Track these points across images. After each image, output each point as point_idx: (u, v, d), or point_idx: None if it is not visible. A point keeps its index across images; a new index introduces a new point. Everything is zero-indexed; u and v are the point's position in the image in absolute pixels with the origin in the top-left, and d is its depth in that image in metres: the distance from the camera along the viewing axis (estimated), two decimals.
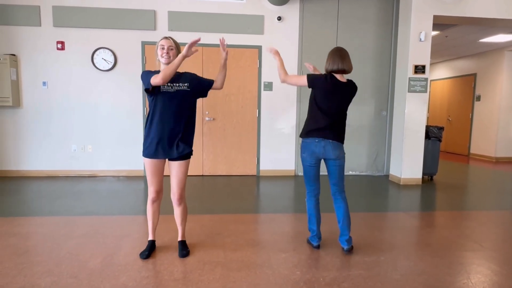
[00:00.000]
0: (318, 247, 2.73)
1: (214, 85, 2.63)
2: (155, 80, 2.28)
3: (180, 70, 2.50)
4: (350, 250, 2.64)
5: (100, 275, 2.23)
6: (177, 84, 2.43)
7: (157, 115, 2.41)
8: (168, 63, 2.41)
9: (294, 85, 2.72)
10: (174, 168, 2.50)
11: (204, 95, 2.64)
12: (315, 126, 2.59)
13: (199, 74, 5.34)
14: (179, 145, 2.46)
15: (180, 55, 2.30)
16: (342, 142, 2.65)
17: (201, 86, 2.58)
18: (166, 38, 2.45)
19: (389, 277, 2.27)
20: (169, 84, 2.41)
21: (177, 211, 2.60)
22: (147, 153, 2.45)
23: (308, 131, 2.61)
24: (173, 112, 2.41)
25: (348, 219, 2.65)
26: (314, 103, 2.62)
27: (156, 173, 2.50)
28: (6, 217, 3.37)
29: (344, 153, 2.66)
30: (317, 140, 2.57)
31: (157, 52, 2.44)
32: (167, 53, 2.41)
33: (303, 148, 2.65)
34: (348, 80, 2.66)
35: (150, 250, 2.56)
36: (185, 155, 2.49)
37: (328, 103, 2.57)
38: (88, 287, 2.08)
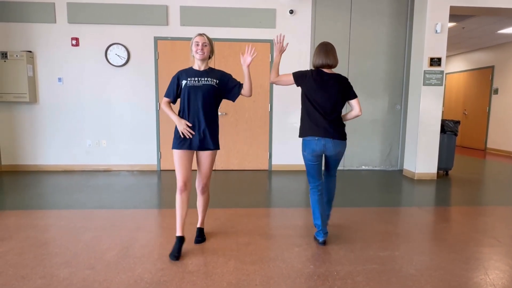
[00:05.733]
0: (323, 243, 2.66)
1: (242, 91, 2.64)
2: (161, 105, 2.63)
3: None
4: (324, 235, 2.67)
5: (116, 267, 2.27)
6: (205, 79, 2.51)
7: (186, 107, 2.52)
8: (202, 59, 2.51)
9: (283, 85, 2.73)
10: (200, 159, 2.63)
11: (232, 98, 2.66)
12: (312, 124, 2.56)
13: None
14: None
15: (174, 118, 2.49)
16: (344, 139, 2.61)
17: (229, 85, 2.61)
18: (200, 34, 2.51)
19: (404, 272, 2.25)
20: (196, 78, 2.50)
21: (199, 200, 2.72)
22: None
23: (306, 130, 2.58)
24: (200, 104, 2.51)
25: (332, 196, 2.84)
26: (306, 100, 2.59)
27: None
28: (25, 210, 3.47)
29: (345, 148, 2.65)
30: (316, 139, 2.54)
31: (191, 48, 2.51)
32: (202, 49, 2.48)
33: (304, 147, 2.62)
34: (336, 73, 2.64)
35: (179, 249, 2.44)
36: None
37: (321, 99, 2.54)
38: (105, 278, 2.13)
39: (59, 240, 2.71)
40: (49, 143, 5.46)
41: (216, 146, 2.59)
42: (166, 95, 2.57)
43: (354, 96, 2.65)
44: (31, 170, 5.47)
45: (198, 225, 2.78)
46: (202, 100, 2.48)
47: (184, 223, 2.52)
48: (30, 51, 5.23)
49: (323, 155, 2.64)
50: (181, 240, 2.49)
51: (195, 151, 2.58)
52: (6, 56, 5.05)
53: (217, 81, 2.55)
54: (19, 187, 4.40)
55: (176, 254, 2.41)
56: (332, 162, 2.73)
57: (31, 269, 2.23)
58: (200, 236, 2.72)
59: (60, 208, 3.55)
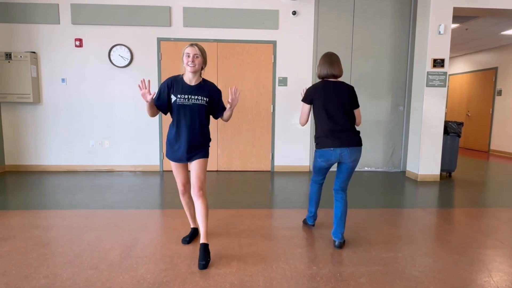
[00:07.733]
0: (313, 225, 3.05)
1: (223, 116, 2.58)
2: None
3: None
4: (341, 245, 2.63)
5: (119, 267, 2.27)
6: (195, 97, 2.42)
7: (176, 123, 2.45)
8: (194, 72, 2.39)
9: (308, 114, 2.77)
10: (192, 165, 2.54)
11: (215, 116, 2.61)
12: (328, 133, 2.58)
13: (214, 69, 5.41)
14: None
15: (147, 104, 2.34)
16: (360, 145, 2.62)
17: (216, 104, 2.55)
18: (191, 45, 2.38)
19: (407, 274, 2.24)
20: (186, 96, 2.41)
21: (196, 207, 2.44)
22: None
23: (323, 142, 2.60)
24: (189, 122, 2.43)
25: (345, 217, 2.67)
26: (319, 110, 2.64)
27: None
28: (29, 210, 3.48)
29: (360, 155, 2.66)
30: (332, 149, 2.57)
31: (182, 59, 2.38)
32: (193, 61, 2.35)
33: (319, 154, 2.66)
34: (342, 82, 2.70)
35: (191, 237, 2.75)
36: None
37: (332, 107, 2.58)
38: (108, 278, 2.13)
39: (62, 240, 2.72)
40: (52, 144, 5.48)
41: (204, 155, 2.48)
42: (156, 102, 2.44)
43: (357, 105, 2.70)
44: (34, 170, 5.49)
45: (202, 240, 2.36)
46: (190, 119, 2.41)
47: (194, 216, 2.78)
48: (34, 52, 5.26)
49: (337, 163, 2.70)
50: (194, 231, 2.80)
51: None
52: (10, 57, 5.08)
53: (207, 99, 2.45)
54: (22, 187, 4.42)
55: (187, 238, 2.72)
56: (344, 169, 2.65)
57: (34, 268, 2.24)
58: (204, 260, 2.29)
59: (63, 208, 3.56)
